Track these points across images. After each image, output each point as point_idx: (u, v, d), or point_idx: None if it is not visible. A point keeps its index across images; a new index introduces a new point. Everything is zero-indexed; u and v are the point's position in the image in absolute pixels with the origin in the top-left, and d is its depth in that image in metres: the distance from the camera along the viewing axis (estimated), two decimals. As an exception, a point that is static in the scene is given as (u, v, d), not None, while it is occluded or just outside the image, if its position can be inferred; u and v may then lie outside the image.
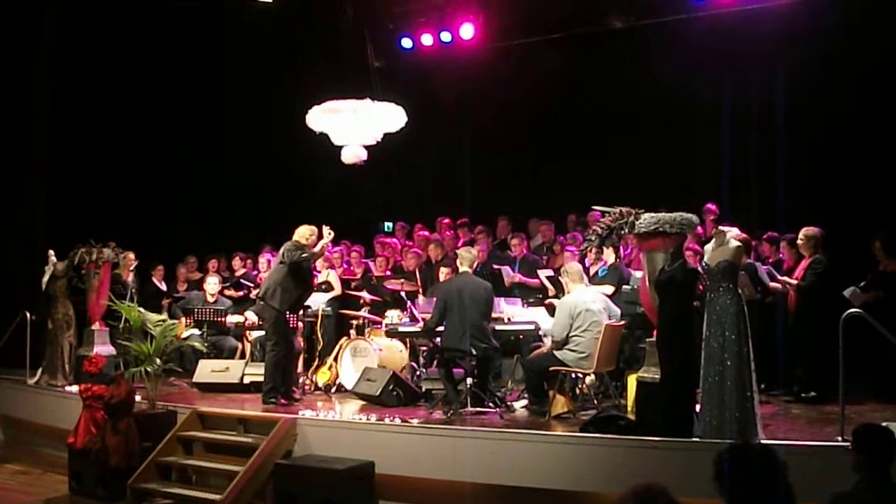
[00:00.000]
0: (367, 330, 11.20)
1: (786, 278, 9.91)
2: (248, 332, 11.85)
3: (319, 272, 12.25)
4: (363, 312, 11.54)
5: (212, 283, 12.26)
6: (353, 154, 10.81)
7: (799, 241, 9.81)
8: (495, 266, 11.53)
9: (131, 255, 12.36)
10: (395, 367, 10.27)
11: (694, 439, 7.09)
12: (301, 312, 10.88)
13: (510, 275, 11.45)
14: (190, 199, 14.86)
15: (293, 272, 9.66)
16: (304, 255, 9.73)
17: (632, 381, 8.52)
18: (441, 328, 9.35)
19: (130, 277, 12.46)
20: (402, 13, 15.02)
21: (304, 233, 9.81)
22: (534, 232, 12.82)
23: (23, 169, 13.91)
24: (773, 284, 9.92)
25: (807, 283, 9.61)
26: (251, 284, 12.58)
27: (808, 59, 11.31)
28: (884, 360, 8.81)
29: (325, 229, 9.98)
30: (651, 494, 3.06)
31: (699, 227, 9.45)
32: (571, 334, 8.78)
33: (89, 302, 11.21)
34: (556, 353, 8.84)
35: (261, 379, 9.82)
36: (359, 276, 12.54)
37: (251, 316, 11.47)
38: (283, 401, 9.50)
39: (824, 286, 9.52)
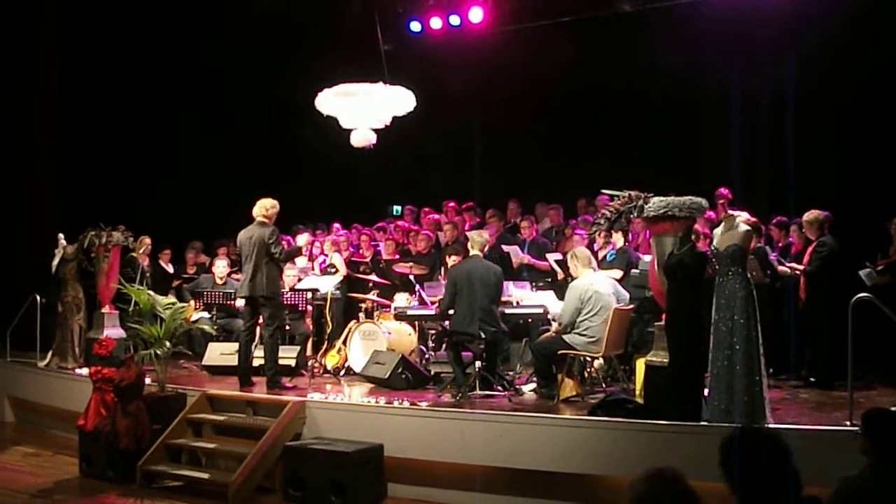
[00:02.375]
0: (376, 313, 11.23)
1: (793, 264, 9.89)
2: (257, 314, 11.87)
3: (326, 255, 12.27)
4: (372, 296, 11.56)
5: (221, 267, 12.27)
6: (362, 137, 10.83)
7: (803, 226, 9.80)
8: (504, 246, 11.53)
9: (147, 240, 12.39)
10: (403, 350, 10.29)
11: (702, 423, 7.10)
12: (310, 296, 10.95)
13: (519, 255, 11.44)
14: (198, 182, 14.87)
15: (276, 262, 9.68)
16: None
17: (640, 365, 8.52)
18: (451, 311, 9.37)
19: (147, 262, 12.52)
20: (411, -4, 15.00)
21: (268, 204, 9.67)
22: (540, 216, 12.80)
23: (32, 152, 13.94)
24: (781, 269, 9.90)
25: (813, 267, 9.58)
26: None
27: (819, 43, 11.26)
28: (893, 344, 8.81)
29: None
30: (664, 479, 3.05)
31: (710, 211, 9.44)
32: (580, 318, 8.78)
33: (99, 285, 11.26)
34: (564, 336, 8.84)
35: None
36: (368, 259, 12.55)
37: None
38: (288, 384, 9.52)
39: (831, 270, 9.48)
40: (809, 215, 9.63)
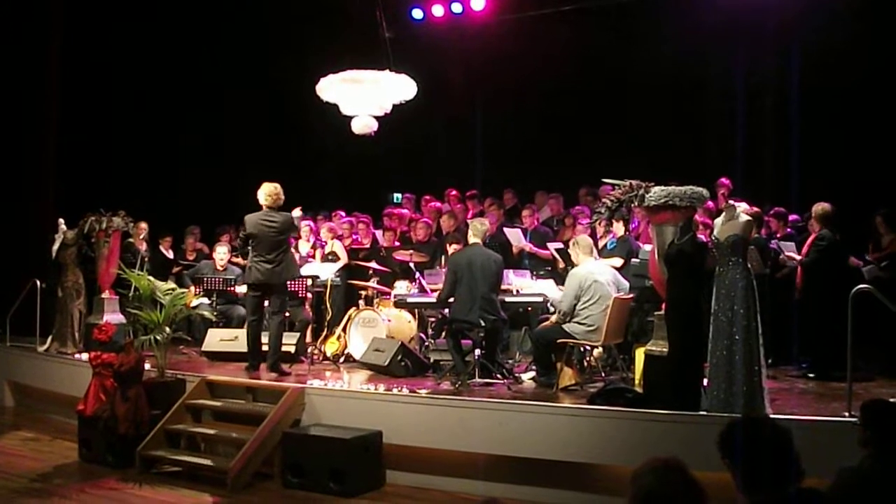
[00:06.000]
0: (375, 300, 11.22)
1: (791, 254, 9.93)
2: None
3: (326, 242, 12.27)
4: (372, 283, 11.56)
5: (221, 253, 12.25)
6: (363, 124, 10.82)
7: (812, 217, 9.82)
8: (506, 229, 11.54)
9: (143, 225, 12.42)
10: (403, 337, 10.30)
11: (701, 413, 7.11)
12: (310, 283, 10.96)
13: (521, 241, 11.44)
14: (199, 169, 14.85)
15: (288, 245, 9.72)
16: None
17: (640, 354, 8.53)
18: (451, 299, 9.37)
19: (144, 247, 12.53)
20: (413, -17, 14.96)
21: (279, 189, 9.64)
22: (540, 205, 12.80)
23: (33, 138, 13.92)
24: (788, 254, 9.94)
25: (809, 258, 9.63)
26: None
27: (823, 33, 11.22)
28: (892, 336, 8.82)
29: (297, 210, 10.32)
30: (672, 470, 3.04)
31: (710, 201, 9.43)
32: (580, 307, 8.79)
33: (99, 270, 11.27)
34: (564, 325, 8.84)
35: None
36: (367, 246, 12.54)
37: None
38: (287, 370, 9.53)
39: (829, 262, 9.48)
40: (816, 207, 9.65)
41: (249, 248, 9.70)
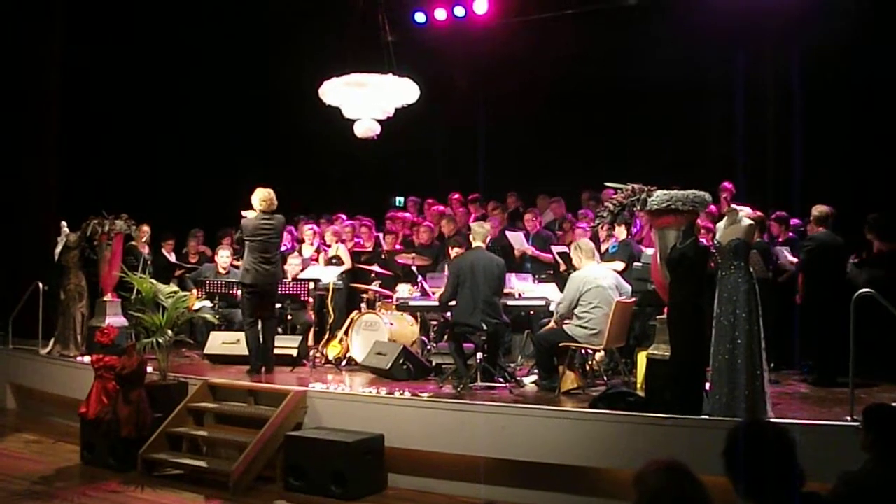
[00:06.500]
0: (378, 304, 11.22)
1: (789, 258, 9.94)
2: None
3: (329, 246, 12.27)
4: (374, 286, 11.56)
5: (224, 256, 12.25)
6: (366, 128, 10.84)
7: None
8: (508, 233, 11.53)
9: (145, 228, 12.44)
10: (405, 341, 10.29)
11: (703, 417, 7.10)
12: (312, 286, 10.98)
13: (523, 244, 11.43)
14: (201, 171, 14.85)
15: None
16: None
17: (642, 358, 8.52)
18: (452, 303, 9.37)
19: (146, 250, 12.55)
20: (416, -13, 14.96)
21: (266, 195, 9.87)
22: (542, 209, 12.80)
23: (35, 140, 13.94)
24: (787, 258, 9.97)
25: (799, 261, 9.63)
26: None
27: (824, 35, 11.20)
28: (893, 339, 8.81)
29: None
30: (673, 470, 3.03)
31: (713, 205, 9.43)
32: (582, 310, 8.78)
33: (101, 273, 11.28)
34: (566, 328, 8.84)
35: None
36: (370, 249, 12.54)
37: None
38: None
39: (822, 264, 9.43)
40: (815, 210, 9.63)
41: (246, 249, 9.80)
